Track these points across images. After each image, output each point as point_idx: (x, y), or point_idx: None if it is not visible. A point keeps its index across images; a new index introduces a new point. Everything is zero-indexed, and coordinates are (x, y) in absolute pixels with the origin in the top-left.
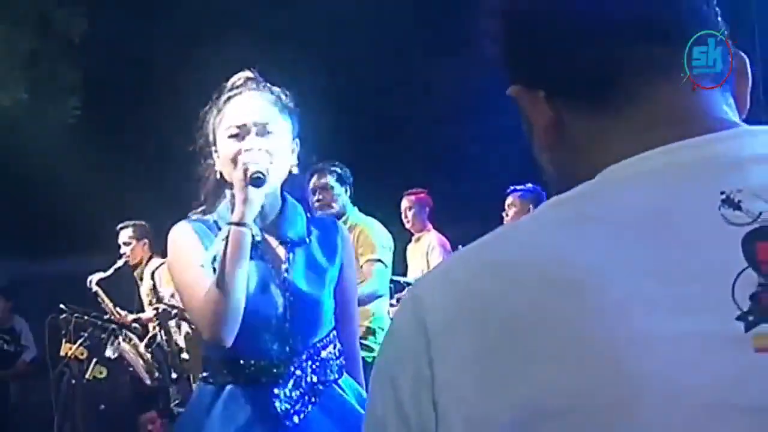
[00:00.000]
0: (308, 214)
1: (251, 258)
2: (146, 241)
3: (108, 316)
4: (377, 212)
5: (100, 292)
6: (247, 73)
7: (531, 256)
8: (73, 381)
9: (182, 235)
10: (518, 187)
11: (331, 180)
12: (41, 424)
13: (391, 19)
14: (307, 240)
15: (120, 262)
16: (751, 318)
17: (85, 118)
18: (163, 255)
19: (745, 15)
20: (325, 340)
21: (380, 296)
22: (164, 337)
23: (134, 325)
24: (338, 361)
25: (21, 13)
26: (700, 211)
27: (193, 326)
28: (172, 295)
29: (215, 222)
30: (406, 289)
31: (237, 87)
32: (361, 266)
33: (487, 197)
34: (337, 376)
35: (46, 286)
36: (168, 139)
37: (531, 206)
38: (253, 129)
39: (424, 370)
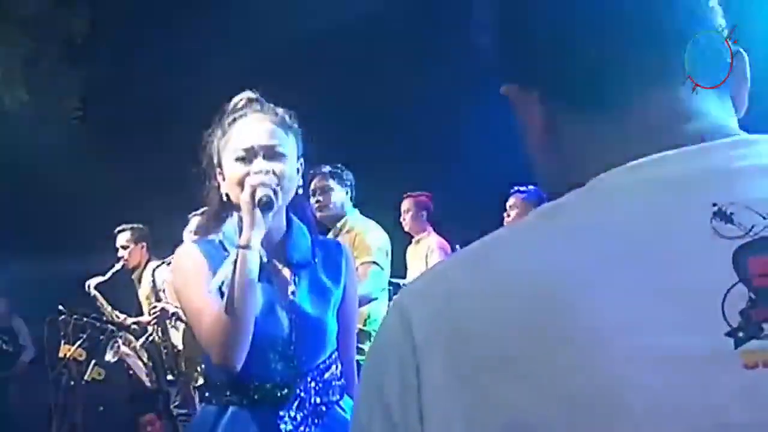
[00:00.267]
0: (313, 236)
1: (258, 279)
2: (144, 244)
3: (106, 318)
4: (380, 215)
5: (99, 296)
6: (249, 94)
7: (517, 270)
8: (72, 382)
9: (189, 257)
10: (520, 189)
11: (330, 182)
12: (40, 425)
13: (394, 20)
14: (313, 262)
15: (118, 266)
16: (740, 334)
17: (86, 118)
18: (163, 257)
19: (746, 14)
20: (327, 362)
21: (374, 299)
22: (161, 337)
23: (133, 327)
24: (340, 383)
25: (22, 14)
26: (691, 224)
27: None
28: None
29: (221, 242)
30: (394, 297)
31: (241, 108)
32: (356, 268)
33: (489, 199)
34: (338, 397)
35: (45, 287)
36: (168, 140)
37: (533, 208)
38: (260, 152)
39: (410, 378)
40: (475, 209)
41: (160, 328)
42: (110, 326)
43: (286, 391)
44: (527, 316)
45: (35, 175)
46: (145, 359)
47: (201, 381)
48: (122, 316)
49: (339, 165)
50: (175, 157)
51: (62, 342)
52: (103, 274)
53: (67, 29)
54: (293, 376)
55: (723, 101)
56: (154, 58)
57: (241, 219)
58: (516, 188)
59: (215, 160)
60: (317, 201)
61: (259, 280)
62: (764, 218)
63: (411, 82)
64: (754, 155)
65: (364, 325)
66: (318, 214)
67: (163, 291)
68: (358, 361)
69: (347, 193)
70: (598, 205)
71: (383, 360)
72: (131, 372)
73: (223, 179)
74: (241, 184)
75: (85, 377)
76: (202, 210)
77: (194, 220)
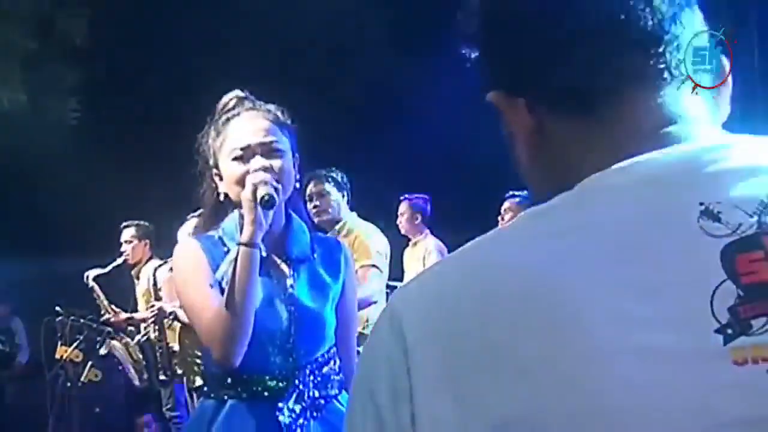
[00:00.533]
0: (312, 233)
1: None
2: (147, 241)
3: (103, 312)
4: (378, 218)
5: (96, 287)
6: (238, 93)
7: (507, 271)
8: (69, 384)
9: (189, 252)
10: (516, 193)
11: (327, 186)
12: (36, 426)
13: (392, 22)
14: (311, 258)
15: (119, 260)
16: (729, 331)
17: (85, 119)
18: (163, 256)
19: (744, 15)
20: (326, 356)
21: (374, 302)
22: (157, 336)
23: (129, 328)
24: (338, 377)
25: (22, 15)
26: (678, 223)
27: (182, 325)
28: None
29: (220, 238)
30: (387, 300)
31: (233, 108)
32: (356, 271)
33: (486, 202)
34: (337, 391)
35: (43, 288)
36: (167, 141)
37: None
38: (258, 150)
39: (402, 381)
40: (471, 212)
41: (156, 327)
42: (107, 327)
43: (284, 383)
44: (517, 316)
45: (33, 175)
46: (137, 357)
47: (199, 382)
48: (117, 310)
49: (334, 168)
50: (174, 158)
51: (59, 343)
52: (104, 267)
53: (66, 30)
54: (292, 369)
55: (706, 104)
56: (152, 58)
57: (241, 216)
58: (511, 192)
59: (211, 162)
60: (314, 206)
61: (258, 274)
62: (751, 217)
63: (408, 83)
64: (738, 155)
65: (363, 328)
66: (316, 219)
67: (161, 290)
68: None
69: (344, 196)
70: (586, 205)
71: (375, 363)
72: (122, 368)
73: (221, 179)
74: (240, 182)
75: (82, 378)
76: (199, 212)
77: (191, 222)
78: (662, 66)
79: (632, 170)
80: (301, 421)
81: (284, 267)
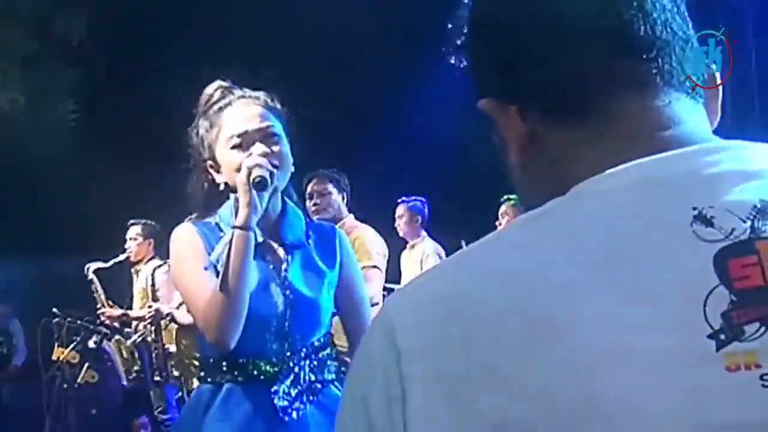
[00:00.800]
0: (307, 219)
1: (253, 258)
2: (152, 240)
3: (99, 306)
4: (374, 220)
5: (96, 280)
6: (221, 83)
7: (500, 277)
8: (65, 385)
9: (186, 236)
10: (512, 196)
11: (329, 186)
12: (33, 428)
13: (390, 24)
14: (306, 243)
15: (122, 256)
16: (722, 337)
17: (83, 120)
18: (163, 257)
19: (740, 17)
20: (322, 340)
21: (376, 303)
22: (154, 338)
23: (126, 329)
24: (335, 363)
25: (20, 15)
26: (671, 227)
27: (179, 327)
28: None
29: (217, 224)
30: (380, 305)
31: (222, 98)
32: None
33: (484, 205)
34: (333, 376)
35: (40, 289)
36: (165, 142)
37: None
38: (256, 136)
39: (396, 389)
40: (469, 214)
41: (153, 329)
42: (104, 329)
43: (280, 367)
44: (510, 322)
45: (32, 176)
46: (127, 356)
47: (196, 384)
48: (113, 306)
49: (335, 169)
50: (174, 158)
51: (56, 345)
52: (105, 261)
53: (64, 31)
54: (287, 353)
55: (698, 109)
56: (151, 59)
57: (237, 200)
58: (507, 196)
59: (206, 154)
60: (315, 204)
61: (254, 257)
62: (744, 221)
63: (406, 85)
64: (731, 160)
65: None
66: (315, 217)
67: (159, 291)
68: None
69: (343, 198)
70: (580, 209)
71: (368, 369)
72: (111, 364)
73: (217, 171)
74: (239, 169)
75: (78, 380)
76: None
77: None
78: (655, 71)
79: (625, 175)
80: (297, 404)
81: (280, 252)
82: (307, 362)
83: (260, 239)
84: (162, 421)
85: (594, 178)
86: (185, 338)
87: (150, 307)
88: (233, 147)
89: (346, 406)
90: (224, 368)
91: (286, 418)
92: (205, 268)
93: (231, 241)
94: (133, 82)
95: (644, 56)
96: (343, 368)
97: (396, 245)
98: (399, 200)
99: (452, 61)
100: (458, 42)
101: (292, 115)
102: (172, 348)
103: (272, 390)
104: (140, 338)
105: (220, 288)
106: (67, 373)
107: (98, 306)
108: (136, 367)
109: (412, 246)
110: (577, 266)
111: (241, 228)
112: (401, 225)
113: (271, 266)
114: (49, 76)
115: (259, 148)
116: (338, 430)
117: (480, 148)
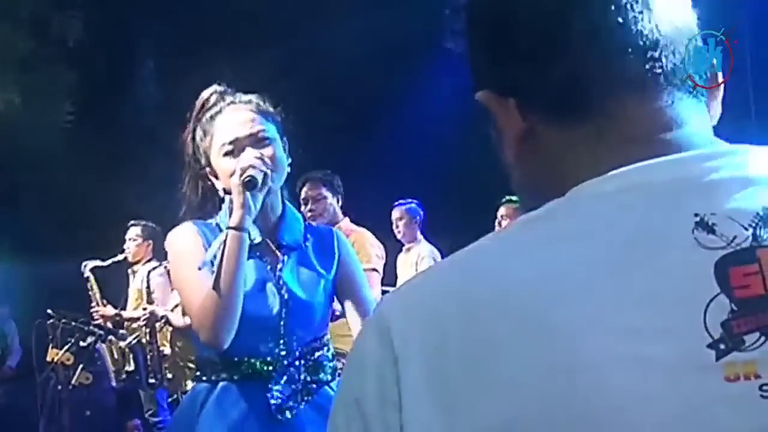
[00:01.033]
0: (306, 222)
1: (250, 258)
2: (151, 242)
3: (93, 304)
4: (369, 222)
5: (92, 279)
6: (216, 87)
7: (498, 278)
8: (59, 387)
9: (185, 235)
10: (512, 198)
11: (323, 190)
12: (26, 429)
13: (384, 27)
14: (303, 246)
15: (120, 257)
16: (722, 346)
17: (79, 122)
18: (159, 259)
19: (735, 17)
20: (318, 342)
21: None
22: (148, 340)
23: (121, 331)
24: (331, 364)
25: (16, 16)
26: (672, 234)
27: (174, 329)
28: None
29: (218, 225)
30: (374, 307)
31: (215, 104)
32: None
33: (481, 207)
34: (330, 378)
35: (34, 290)
36: (161, 143)
37: None
38: (246, 142)
39: (391, 390)
40: (467, 218)
41: (147, 331)
42: (99, 330)
43: (274, 366)
44: (505, 324)
45: (28, 178)
46: (118, 358)
47: (191, 386)
48: (107, 305)
49: (329, 172)
50: (170, 160)
51: (50, 346)
52: (103, 260)
53: (61, 32)
54: (282, 353)
55: (701, 109)
56: (148, 60)
57: (231, 202)
58: (507, 197)
59: (203, 161)
60: (310, 210)
61: (252, 258)
62: (746, 229)
63: (403, 89)
64: (734, 166)
65: None
66: (312, 223)
67: (154, 293)
68: None
69: (338, 200)
70: (579, 213)
71: (362, 370)
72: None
73: (216, 177)
74: (234, 173)
75: (73, 381)
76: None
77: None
78: (659, 71)
79: (626, 178)
80: (291, 403)
81: (278, 253)
82: (303, 362)
83: (258, 240)
84: (154, 423)
85: (594, 180)
86: (180, 341)
87: (145, 309)
88: (225, 154)
89: (339, 407)
90: (219, 367)
91: (280, 417)
92: (199, 268)
93: (225, 241)
94: (130, 83)
95: (648, 56)
96: (339, 369)
97: (391, 248)
98: (395, 203)
99: (450, 46)
100: (455, 30)
101: (288, 116)
102: (167, 350)
103: (267, 389)
104: (135, 340)
105: (214, 288)
106: (61, 375)
107: (92, 305)
108: (127, 369)
109: (408, 249)
110: (576, 270)
111: (235, 229)
112: (400, 227)
113: (268, 267)
114: (45, 77)
115: (249, 152)
116: (331, 428)
117: (477, 150)
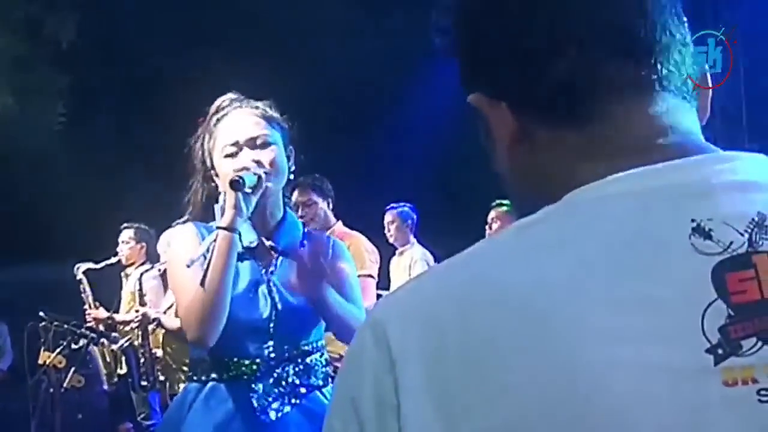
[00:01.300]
0: (305, 229)
1: (246, 259)
2: (144, 245)
3: (85, 307)
4: (360, 226)
5: (85, 281)
6: (230, 95)
7: (494, 282)
8: (51, 390)
9: (182, 235)
10: (503, 202)
11: (313, 195)
12: (18, 431)
13: (377, 31)
14: (300, 251)
15: (113, 259)
16: (720, 351)
17: (72, 124)
18: (155, 261)
19: (728, 22)
20: (311, 347)
21: None
22: (141, 342)
23: (114, 334)
24: (324, 369)
25: (9, 19)
26: (669, 240)
27: (166, 332)
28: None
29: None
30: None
31: (223, 108)
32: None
33: (474, 211)
34: (322, 383)
35: (26, 293)
36: (155, 145)
37: (514, 221)
38: (245, 145)
39: (389, 393)
40: (459, 222)
41: (140, 333)
42: (91, 333)
43: (261, 368)
44: (505, 327)
45: (21, 180)
46: (110, 361)
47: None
48: (100, 308)
49: (317, 175)
50: (164, 162)
51: (42, 349)
52: (96, 263)
53: (54, 34)
54: (271, 354)
55: (692, 113)
56: (142, 62)
57: (224, 202)
58: (498, 201)
59: (208, 163)
60: (301, 216)
61: (247, 260)
62: (742, 235)
63: (396, 93)
64: (730, 171)
65: None
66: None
67: (146, 296)
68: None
69: (328, 204)
70: (575, 219)
71: (359, 374)
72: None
73: (219, 178)
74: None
75: (65, 384)
76: (185, 218)
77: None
78: (654, 76)
79: (622, 184)
80: (276, 405)
81: (272, 256)
82: (292, 365)
83: (255, 243)
84: (146, 426)
85: (591, 185)
86: (172, 343)
87: (137, 311)
88: (226, 156)
89: (335, 410)
90: (209, 367)
91: (264, 418)
92: (187, 266)
93: (214, 241)
94: (123, 86)
95: (643, 60)
96: (332, 375)
97: (384, 252)
98: (388, 207)
99: (447, 60)
100: (444, 32)
101: (293, 122)
102: (159, 353)
103: (252, 389)
104: (127, 343)
105: (201, 287)
106: (53, 378)
107: (84, 307)
108: (120, 371)
109: (401, 252)
110: (575, 273)
111: (225, 229)
112: (392, 231)
113: (262, 270)
114: (38, 79)
115: (247, 154)
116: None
117: (469, 154)
